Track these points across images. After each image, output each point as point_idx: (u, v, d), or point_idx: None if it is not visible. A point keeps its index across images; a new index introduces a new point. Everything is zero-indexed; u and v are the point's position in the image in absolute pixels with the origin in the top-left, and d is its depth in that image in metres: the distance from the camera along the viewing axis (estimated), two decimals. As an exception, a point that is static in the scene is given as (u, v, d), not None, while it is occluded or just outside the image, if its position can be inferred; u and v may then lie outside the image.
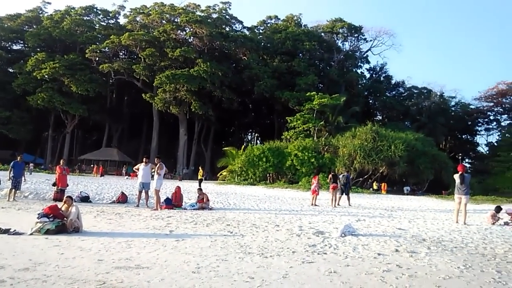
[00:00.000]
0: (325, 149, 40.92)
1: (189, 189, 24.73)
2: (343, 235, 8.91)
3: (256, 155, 40.89)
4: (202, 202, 14.09)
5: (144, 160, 14.34)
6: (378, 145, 37.14)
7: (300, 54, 57.93)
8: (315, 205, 17.61)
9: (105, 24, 65.67)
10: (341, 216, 13.58)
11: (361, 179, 38.05)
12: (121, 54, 61.88)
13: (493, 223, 12.78)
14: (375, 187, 37.40)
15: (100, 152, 59.48)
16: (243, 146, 48.27)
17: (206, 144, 61.20)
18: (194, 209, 13.55)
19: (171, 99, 52.10)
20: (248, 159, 41.10)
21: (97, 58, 55.87)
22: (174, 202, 14.03)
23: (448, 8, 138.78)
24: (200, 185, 24.18)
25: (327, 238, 8.56)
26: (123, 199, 15.36)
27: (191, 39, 55.49)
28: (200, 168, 32.86)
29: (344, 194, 19.02)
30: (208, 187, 30.24)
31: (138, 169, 14.38)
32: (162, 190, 15.52)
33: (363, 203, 21.68)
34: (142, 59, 53.51)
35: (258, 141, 69.77)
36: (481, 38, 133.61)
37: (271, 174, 41.20)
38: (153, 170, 14.09)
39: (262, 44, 59.95)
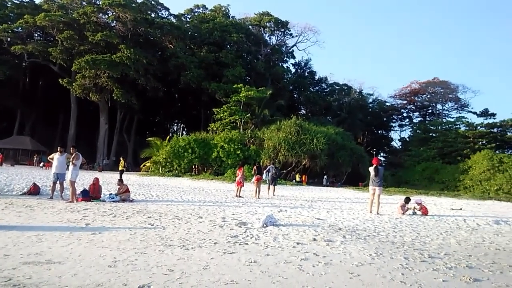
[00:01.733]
0: (251, 141, 41.38)
1: (109, 180, 23.79)
2: (264, 225, 9.06)
3: (182, 146, 40.29)
4: (123, 194, 13.58)
5: (58, 149, 13.51)
6: (301, 138, 38.30)
7: (228, 46, 57.82)
8: (240, 196, 17.76)
9: (18, 2, 60.33)
10: (264, 207, 13.81)
11: (284, 171, 39.03)
12: (36, 35, 57.26)
13: (403, 213, 13.74)
14: (297, 179, 38.56)
15: (11, 140, 54.75)
16: (168, 137, 47.35)
17: (129, 134, 59.03)
18: (113, 201, 13.02)
19: (91, 86, 49.42)
20: (173, 150, 40.37)
21: (8, 39, 51.36)
22: (91, 194, 13.34)
23: (366, 9, 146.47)
24: (121, 177, 23.27)
25: (249, 229, 8.64)
26: (35, 190, 14.29)
27: (114, 24, 52.89)
28: (121, 158, 31.55)
29: (273, 185, 19.90)
30: (130, 178, 29.27)
31: (52, 159, 13.50)
32: (80, 182, 14.75)
33: (286, 194, 22.26)
34: (60, 42, 49.90)
35: (184, 132, 68.87)
36: (397, 40, 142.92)
37: (196, 166, 40.82)
38: (68, 160, 13.29)
39: (190, 33, 58.84)
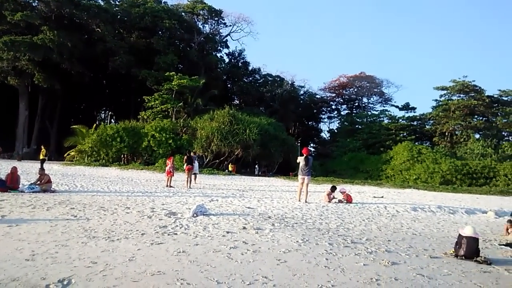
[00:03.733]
0: (183, 131, 40.76)
1: (29, 170, 22.35)
2: (195, 215, 9.00)
3: (110, 134, 38.68)
4: (44, 184, 12.79)
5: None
6: (234, 129, 38.40)
7: (160, 32, 56.03)
8: (170, 186, 17.47)
9: None
10: (195, 197, 13.71)
11: (217, 161, 39.01)
12: None
13: (329, 201, 14.32)
14: (230, 168, 38.71)
15: None
16: (95, 125, 45.23)
17: (52, 121, 55.44)
18: (33, 192, 12.23)
19: (9, 69, 45.68)
20: (100, 139, 38.65)
21: None
22: (9, 184, 12.41)
23: (299, 2, 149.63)
24: (42, 166, 21.91)
25: (179, 219, 8.54)
26: None
27: (36, 3, 49.08)
28: (42, 147, 29.54)
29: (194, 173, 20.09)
30: (53, 168, 27.73)
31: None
32: (-6, 171, 13.62)
33: (218, 184, 22.28)
34: (-28, 21, 45.51)
35: (112, 120, 66.02)
36: (327, 34, 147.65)
37: (125, 155, 39.46)
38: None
39: (119, 17, 56.11)
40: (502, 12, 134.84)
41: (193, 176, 19.69)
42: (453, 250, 6.75)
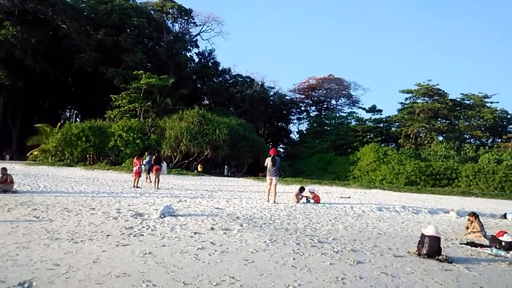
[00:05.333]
0: (151, 131, 40.15)
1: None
2: (162, 216, 8.89)
3: (75, 134, 37.68)
4: (4, 184, 12.33)
5: None
6: (204, 129, 38.15)
7: (128, 30, 55.02)
8: (137, 187, 17.19)
9: None
10: (163, 197, 13.55)
11: (186, 161, 38.67)
12: None
13: (298, 202, 14.46)
14: (199, 169, 38.44)
15: None
16: (59, 124, 43.89)
17: (14, 119, 53.44)
18: (-8, 193, 11.75)
19: (-32, 65, 43.81)
20: (65, 138, 37.60)
21: None
22: (-34, 185, 11.91)
23: (268, 3, 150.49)
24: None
25: (145, 220, 8.43)
26: None
27: (-2, -2, 47.31)
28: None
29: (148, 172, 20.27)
30: (15, 167, 26.71)
31: None
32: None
33: (187, 184, 22.09)
34: None
35: (78, 119, 64.23)
36: (296, 35, 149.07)
37: (91, 155, 38.52)
38: None
39: (85, 13, 54.75)
40: (463, 19, 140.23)
41: (152, 176, 19.33)
42: (416, 249, 6.95)
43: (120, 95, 44.52)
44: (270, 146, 48.27)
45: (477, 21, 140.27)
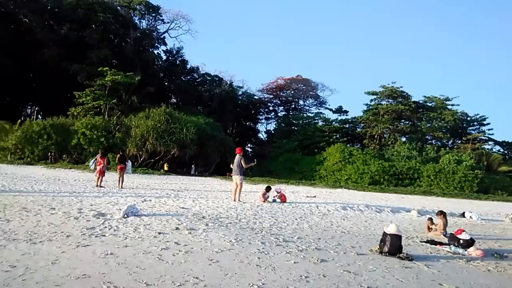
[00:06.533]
0: (116, 129, 39.35)
1: None
2: (125, 216, 8.72)
3: (36, 131, 36.47)
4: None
5: None
6: (171, 127, 37.72)
7: (93, 25, 53.66)
8: (100, 186, 16.79)
9: None
10: (127, 197, 13.29)
11: (152, 160, 38.12)
12: None
13: (264, 201, 14.53)
14: (166, 168, 37.97)
15: None
16: (19, 121, 42.31)
17: (-29, 116, 51.18)
18: None
19: None
20: (25, 136, 36.33)
21: None
22: None
23: (237, 3, 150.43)
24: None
25: (108, 220, 8.23)
26: None
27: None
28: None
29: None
30: (-30, 166, 25.56)
31: None
32: None
33: (152, 184, 21.79)
34: None
35: (39, 116, 62.08)
36: (265, 35, 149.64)
37: (53, 153, 37.39)
38: None
39: (49, 7, 53.08)
40: (427, 23, 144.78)
41: (117, 175, 18.79)
42: (378, 247, 7.12)
43: (84, 92, 43.41)
44: (234, 144, 48.21)
45: (440, 25, 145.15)
